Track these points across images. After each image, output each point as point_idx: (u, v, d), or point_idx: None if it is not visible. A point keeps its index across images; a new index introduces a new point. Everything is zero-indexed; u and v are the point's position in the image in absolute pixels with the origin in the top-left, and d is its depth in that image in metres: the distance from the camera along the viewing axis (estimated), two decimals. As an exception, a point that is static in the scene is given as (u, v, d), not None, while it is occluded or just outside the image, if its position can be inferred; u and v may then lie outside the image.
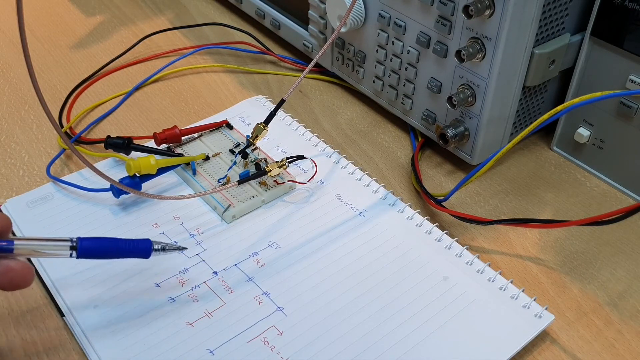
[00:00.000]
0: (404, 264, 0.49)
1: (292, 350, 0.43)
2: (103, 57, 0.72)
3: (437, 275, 0.48)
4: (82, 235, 0.42)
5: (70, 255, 0.41)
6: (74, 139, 0.60)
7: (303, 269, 0.49)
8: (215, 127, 0.61)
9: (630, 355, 0.45)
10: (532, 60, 0.54)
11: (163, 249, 0.44)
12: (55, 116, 0.63)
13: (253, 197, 0.54)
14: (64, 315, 0.46)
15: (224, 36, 0.77)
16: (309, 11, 0.67)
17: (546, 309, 0.46)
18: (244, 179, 0.53)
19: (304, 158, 0.56)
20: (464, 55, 0.51)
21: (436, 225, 0.52)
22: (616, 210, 0.41)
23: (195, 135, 0.60)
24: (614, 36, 0.52)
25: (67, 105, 0.65)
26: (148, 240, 0.44)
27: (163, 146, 0.58)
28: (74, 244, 0.41)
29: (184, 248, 0.47)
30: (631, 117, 0.54)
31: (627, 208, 0.40)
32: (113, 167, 0.58)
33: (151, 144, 0.58)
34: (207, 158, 0.57)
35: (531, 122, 0.55)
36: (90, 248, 0.41)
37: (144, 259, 0.44)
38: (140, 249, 0.43)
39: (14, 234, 0.50)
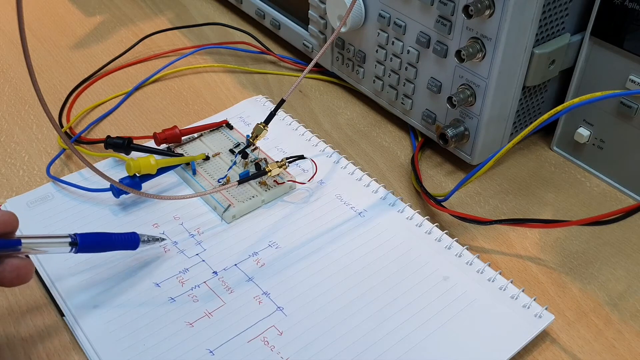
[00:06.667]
0: (404, 264, 0.49)
1: (292, 350, 0.43)
2: (103, 57, 0.72)
3: (437, 275, 0.48)
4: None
5: (70, 251, 0.43)
6: (74, 139, 0.60)
7: (303, 269, 0.49)
8: (215, 127, 0.61)
9: (631, 355, 0.45)
10: (532, 60, 0.54)
11: (147, 241, 0.49)
12: (55, 116, 0.63)
13: (253, 197, 0.54)
14: (64, 315, 0.46)
15: (224, 36, 0.77)
16: (309, 11, 0.67)
17: (546, 309, 0.46)
18: (244, 179, 0.53)
19: (304, 158, 0.56)
20: (464, 55, 0.51)
21: (436, 225, 0.52)
22: (616, 210, 0.41)
23: (195, 135, 0.60)
24: (614, 36, 0.52)
25: (67, 105, 0.65)
26: (135, 233, 0.48)
27: (163, 146, 0.58)
28: (74, 240, 0.43)
29: (163, 239, 0.50)
30: (631, 117, 0.54)
31: (627, 208, 0.40)
32: (113, 167, 0.58)
33: (151, 144, 0.58)
34: (207, 158, 0.57)
35: (531, 122, 0.55)
36: (87, 243, 0.44)
37: (132, 251, 0.49)
38: (130, 241, 0.48)
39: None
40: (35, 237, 0.42)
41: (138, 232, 0.48)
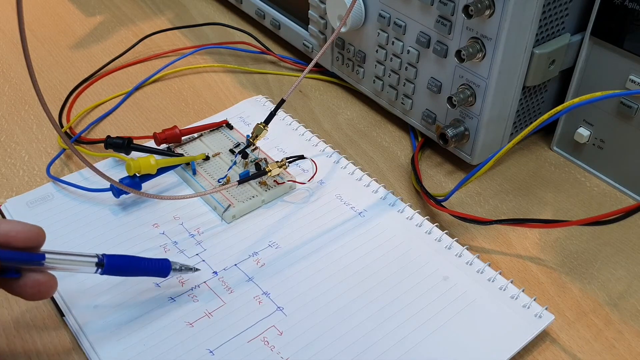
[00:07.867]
0: (404, 264, 0.49)
1: (292, 350, 0.43)
2: (103, 57, 0.72)
3: (437, 275, 0.48)
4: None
5: (96, 271, 0.42)
6: (74, 139, 0.60)
7: (303, 269, 0.49)
8: (215, 127, 0.61)
9: (631, 355, 0.45)
10: (532, 60, 0.54)
11: (180, 269, 0.46)
12: (55, 116, 0.63)
13: (253, 197, 0.54)
14: (64, 315, 0.46)
15: (224, 36, 0.77)
16: (309, 11, 0.67)
17: (546, 309, 0.46)
18: (244, 179, 0.53)
19: (304, 158, 0.56)
20: (464, 55, 0.51)
21: (436, 225, 0.52)
22: (616, 210, 0.41)
23: (195, 135, 0.60)
24: (614, 36, 0.52)
25: (67, 105, 0.65)
26: (167, 260, 0.46)
27: (163, 146, 0.58)
28: (101, 261, 0.42)
29: (197, 269, 0.47)
30: (631, 117, 0.54)
31: (627, 208, 0.40)
32: (113, 167, 0.58)
33: (151, 144, 0.58)
34: (207, 158, 0.57)
35: (531, 122, 0.55)
36: (114, 265, 0.43)
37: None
38: (161, 268, 0.45)
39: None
40: (61, 254, 0.41)
41: (170, 260, 0.46)
